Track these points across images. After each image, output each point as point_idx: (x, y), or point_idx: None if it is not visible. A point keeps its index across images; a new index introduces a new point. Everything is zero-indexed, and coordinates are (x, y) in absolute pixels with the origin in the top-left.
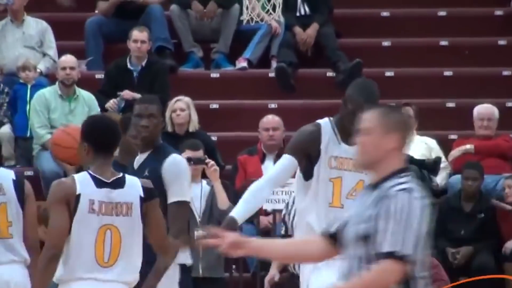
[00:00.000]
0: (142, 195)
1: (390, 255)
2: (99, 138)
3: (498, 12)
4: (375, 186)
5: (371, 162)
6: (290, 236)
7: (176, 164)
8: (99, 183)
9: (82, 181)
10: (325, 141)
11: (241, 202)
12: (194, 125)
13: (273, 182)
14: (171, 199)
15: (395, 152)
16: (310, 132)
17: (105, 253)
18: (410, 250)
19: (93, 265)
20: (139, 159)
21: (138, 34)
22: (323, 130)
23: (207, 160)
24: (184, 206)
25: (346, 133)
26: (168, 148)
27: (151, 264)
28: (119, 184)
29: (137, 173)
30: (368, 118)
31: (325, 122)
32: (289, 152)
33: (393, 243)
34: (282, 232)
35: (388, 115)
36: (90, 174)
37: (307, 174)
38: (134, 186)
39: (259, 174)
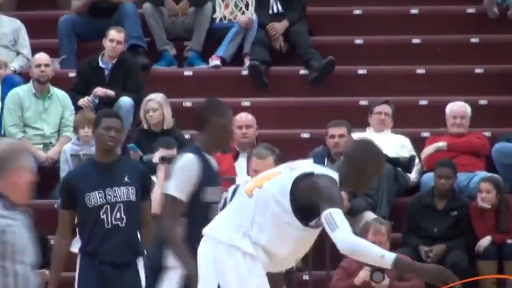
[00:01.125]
0: None
1: None
2: None
3: (470, 10)
4: None
5: None
6: None
7: None
8: None
9: None
10: None
11: (375, 247)
12: (168, 123)
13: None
14: None
15: None
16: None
17: None
18: None
19: None
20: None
21: (116, 34)
22: None
23: None
24: None
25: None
26: None
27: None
28: None
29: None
30: None
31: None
32: (341, 206)
33: None
34: None
35: None
36: None
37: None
38: None
39: (232, 172)
